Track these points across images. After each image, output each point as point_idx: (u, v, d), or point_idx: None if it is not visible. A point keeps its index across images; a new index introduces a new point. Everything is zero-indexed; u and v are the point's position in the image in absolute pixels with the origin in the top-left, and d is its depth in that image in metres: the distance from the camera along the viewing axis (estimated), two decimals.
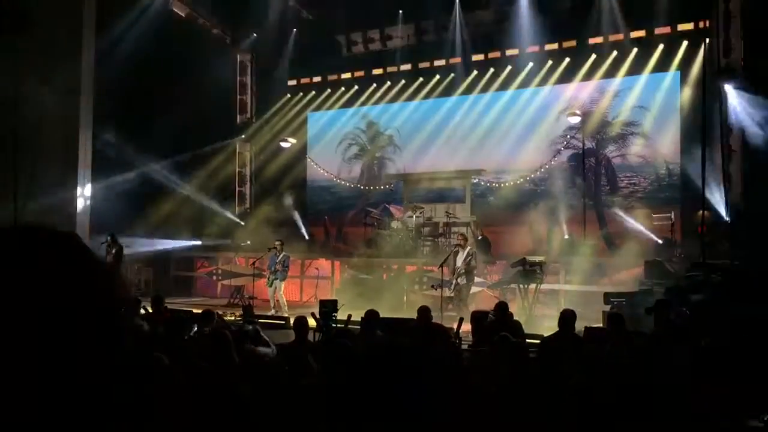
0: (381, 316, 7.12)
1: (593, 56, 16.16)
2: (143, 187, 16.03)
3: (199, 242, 18.28)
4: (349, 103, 19.85)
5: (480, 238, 14.81)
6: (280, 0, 17.82)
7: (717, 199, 12.94)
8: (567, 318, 6.53)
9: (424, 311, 7.03)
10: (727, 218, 12.31)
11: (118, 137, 15.03)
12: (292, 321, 10.92)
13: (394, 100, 19.06)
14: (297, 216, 18.63)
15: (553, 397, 4.31)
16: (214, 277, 17.19)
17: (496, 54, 17.49)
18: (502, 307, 7.53)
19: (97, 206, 14.68)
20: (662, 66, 15.43)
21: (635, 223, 14.37)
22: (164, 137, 16.29)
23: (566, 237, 14.69)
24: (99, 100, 14.65)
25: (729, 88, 12.76)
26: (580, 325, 8.40)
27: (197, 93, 16.98)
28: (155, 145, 16.17)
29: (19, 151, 11.98)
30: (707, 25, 13.68)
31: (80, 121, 14.36)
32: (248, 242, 17.56)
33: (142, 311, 8.27)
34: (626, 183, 15.99)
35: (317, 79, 20.29)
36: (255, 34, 20.22)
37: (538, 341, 7.94)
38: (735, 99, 12.81)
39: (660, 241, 13.32)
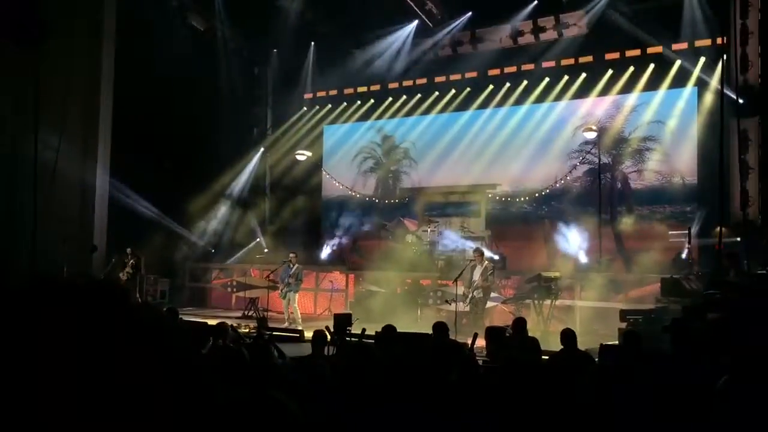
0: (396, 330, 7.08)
1: (610, 71, 16.13)
2: (159, 199, 16.12)
3: (213, 252, 18.42)
4: (364, 117, 19.92)
5: (498, 258, 14.69)
6: (297, 14, 17.94)
7: (735, 215, 12.82)
8: (566, 337, 6.58)
9: (440, 328, 6.93)
10: (740, 237, 12.16)
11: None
12: (306, 334, 11.00)
13: (409, 113, 19.08)
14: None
15: (561, 415, 4.29)
16: (229, 289, 17.26)
17: (512, 69, 17.48)
18: (520, 324, 7.45)
19: (115, 219, 14.79)
20: (679, 82, 15.35)
21: (651, 239, 14.25)
22: (181, 149, 16.44)
23: (582, 252, 14.61)
24: (117, 112, 14.82)
25: None
26: (595, 342, 8.36)
27: (215, 105, 17.12)
28: (172, 156, 16.29)
29: (37, 165, 12.12)
30: (725, 41, 13.61)
31: (99, 133, 14.53)
32: (266, 250, 17.67)
33: None
34: (642, 198, 15.87)
35: (333, 92, 20.39)
36: (275, 50, 20.37)
37: None
38: None
39: (681, 257, 13.15)
